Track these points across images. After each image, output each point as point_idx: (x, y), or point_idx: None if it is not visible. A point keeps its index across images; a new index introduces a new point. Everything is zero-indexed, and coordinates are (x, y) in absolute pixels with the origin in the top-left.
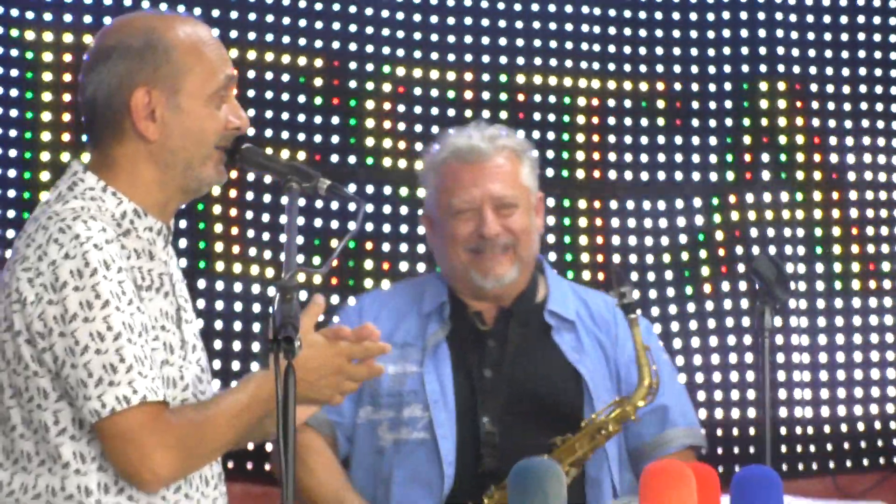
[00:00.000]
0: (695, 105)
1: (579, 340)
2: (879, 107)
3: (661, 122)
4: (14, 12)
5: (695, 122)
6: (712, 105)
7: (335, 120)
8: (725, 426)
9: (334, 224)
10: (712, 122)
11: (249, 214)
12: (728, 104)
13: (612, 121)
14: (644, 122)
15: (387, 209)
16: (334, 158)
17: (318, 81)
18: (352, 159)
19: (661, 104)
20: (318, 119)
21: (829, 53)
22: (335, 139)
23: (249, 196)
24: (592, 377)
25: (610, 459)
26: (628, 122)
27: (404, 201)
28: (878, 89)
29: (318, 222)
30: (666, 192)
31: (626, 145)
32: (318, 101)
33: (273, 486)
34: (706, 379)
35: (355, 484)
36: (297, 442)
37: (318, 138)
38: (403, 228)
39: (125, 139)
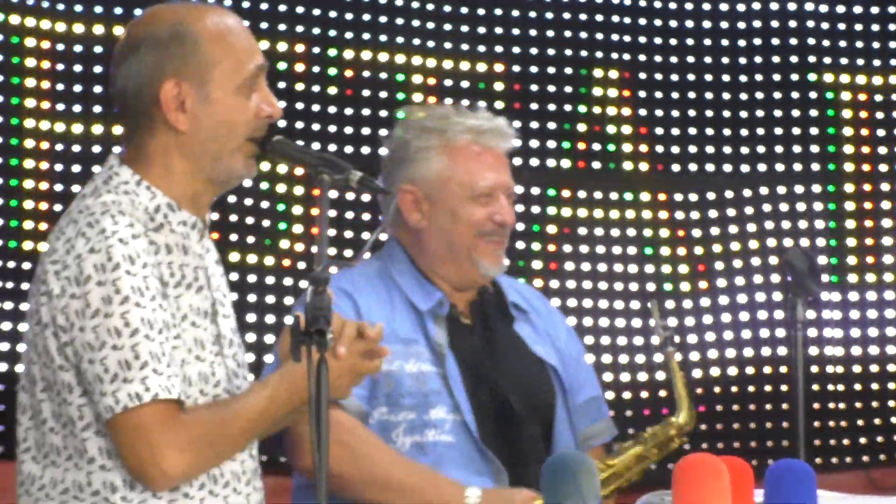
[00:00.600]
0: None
1: (536, 331)
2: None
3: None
4: (45, 3)
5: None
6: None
7: None
8: (758, 419)
9: (366, 216)
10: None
11: (281, 207)
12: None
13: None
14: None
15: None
16: None
17: None
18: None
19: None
20: None
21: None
22: None
23: (281, 188)
24: (560, 367)
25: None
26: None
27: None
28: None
29: (349, 214)
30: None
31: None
32: None
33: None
34: (739, 373)
35: None
36: (342, 432)
37: None
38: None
39: (156, 131)
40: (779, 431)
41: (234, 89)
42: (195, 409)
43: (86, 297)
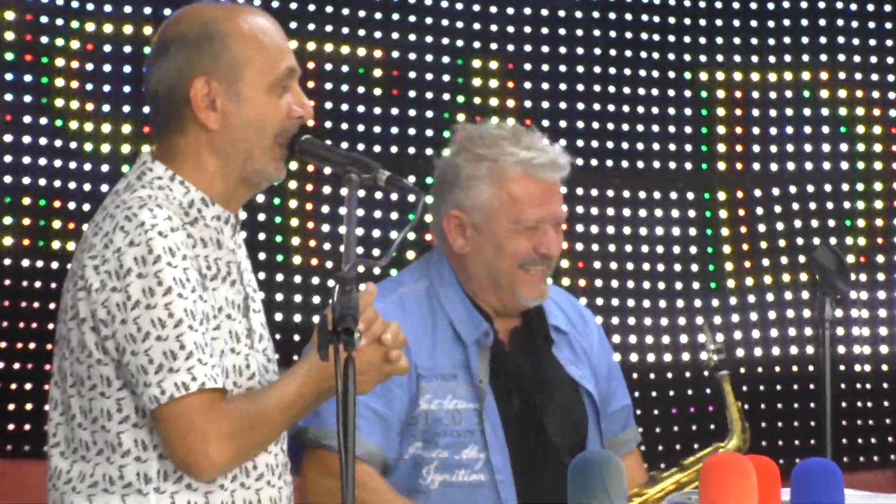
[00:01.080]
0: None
1: (574, 352)
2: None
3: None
4: (75, 4)
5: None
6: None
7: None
8: (785, 418)
9: (393, 215)
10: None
11: (309, 206)
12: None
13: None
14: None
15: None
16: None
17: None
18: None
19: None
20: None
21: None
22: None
23: (309, 187)
24: (594, 389)
25: None
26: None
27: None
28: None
29: (377, 213)
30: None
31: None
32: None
33: None
34: (766, 371)
35: None
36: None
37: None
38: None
39: (187, 130)
40: (806, 430)
41: (265, 88)
42: (235, 399)
43: (126, 290)
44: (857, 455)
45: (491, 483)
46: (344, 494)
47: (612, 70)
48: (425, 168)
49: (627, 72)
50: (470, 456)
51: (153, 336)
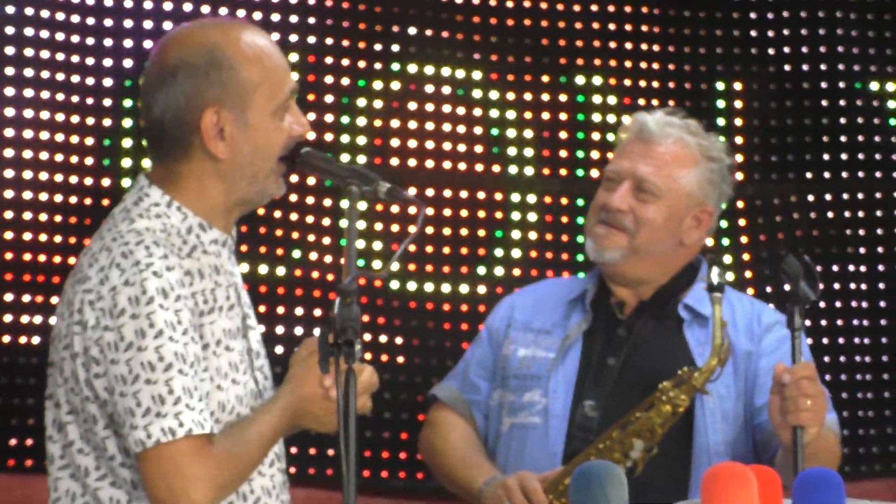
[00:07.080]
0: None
1: (709, 337)
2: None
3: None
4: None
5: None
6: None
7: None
8: None
9: (395, 227)
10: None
11: (310, 219)
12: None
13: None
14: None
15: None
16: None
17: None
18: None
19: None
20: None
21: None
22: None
23: (310, 200)
24: (733, 387)
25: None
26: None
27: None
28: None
29: (378, 226)
30: None
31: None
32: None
33: (336, 491)
34: None
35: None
36: (432, 418)
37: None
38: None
39: (192, 157)
40: None
41: (271, 113)
42: (218, 440)
43: (119, 330)
44: (859, 464)
45: (544, 426)
46: (345, 496)
47: None
48: (426, 180)
49: None
50: (532, 399)
51: (142, 379)
